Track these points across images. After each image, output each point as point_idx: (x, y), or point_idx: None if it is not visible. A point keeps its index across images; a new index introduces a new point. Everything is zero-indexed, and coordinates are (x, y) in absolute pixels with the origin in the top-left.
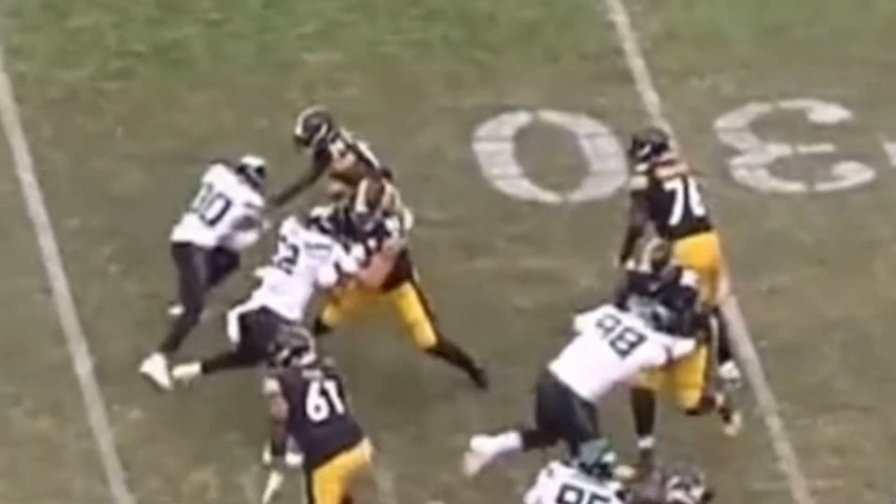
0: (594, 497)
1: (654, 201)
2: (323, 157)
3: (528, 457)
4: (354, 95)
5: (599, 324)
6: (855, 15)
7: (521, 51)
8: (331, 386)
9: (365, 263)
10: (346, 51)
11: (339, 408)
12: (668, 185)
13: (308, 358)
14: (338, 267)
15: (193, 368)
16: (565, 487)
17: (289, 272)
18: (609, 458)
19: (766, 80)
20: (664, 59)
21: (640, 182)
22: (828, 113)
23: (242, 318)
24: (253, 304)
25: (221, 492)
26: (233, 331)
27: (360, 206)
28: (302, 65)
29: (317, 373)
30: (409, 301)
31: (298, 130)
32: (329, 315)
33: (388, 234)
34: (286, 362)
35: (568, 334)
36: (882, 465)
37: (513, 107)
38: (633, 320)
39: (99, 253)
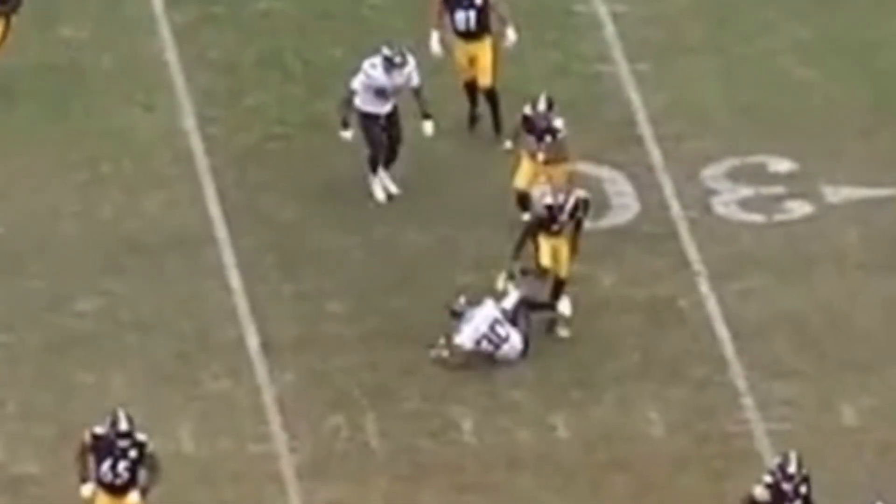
0: None
1: None
2: None
3: None
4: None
5: None
6: (801, 99)
7: (567, 123)
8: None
9: None
10: None
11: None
12: None
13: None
14: None
15: (388, 183)
16: None
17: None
18: None
19: (737, 142)
20: (666, 126)
21: None
22: (781, 165)
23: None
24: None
25: (350, 431)
26: None
27: None
28: None
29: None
30: (486, 50)
31: None
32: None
33: None
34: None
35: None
36: (819, 414)
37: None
38: None
39: (264, 263)
